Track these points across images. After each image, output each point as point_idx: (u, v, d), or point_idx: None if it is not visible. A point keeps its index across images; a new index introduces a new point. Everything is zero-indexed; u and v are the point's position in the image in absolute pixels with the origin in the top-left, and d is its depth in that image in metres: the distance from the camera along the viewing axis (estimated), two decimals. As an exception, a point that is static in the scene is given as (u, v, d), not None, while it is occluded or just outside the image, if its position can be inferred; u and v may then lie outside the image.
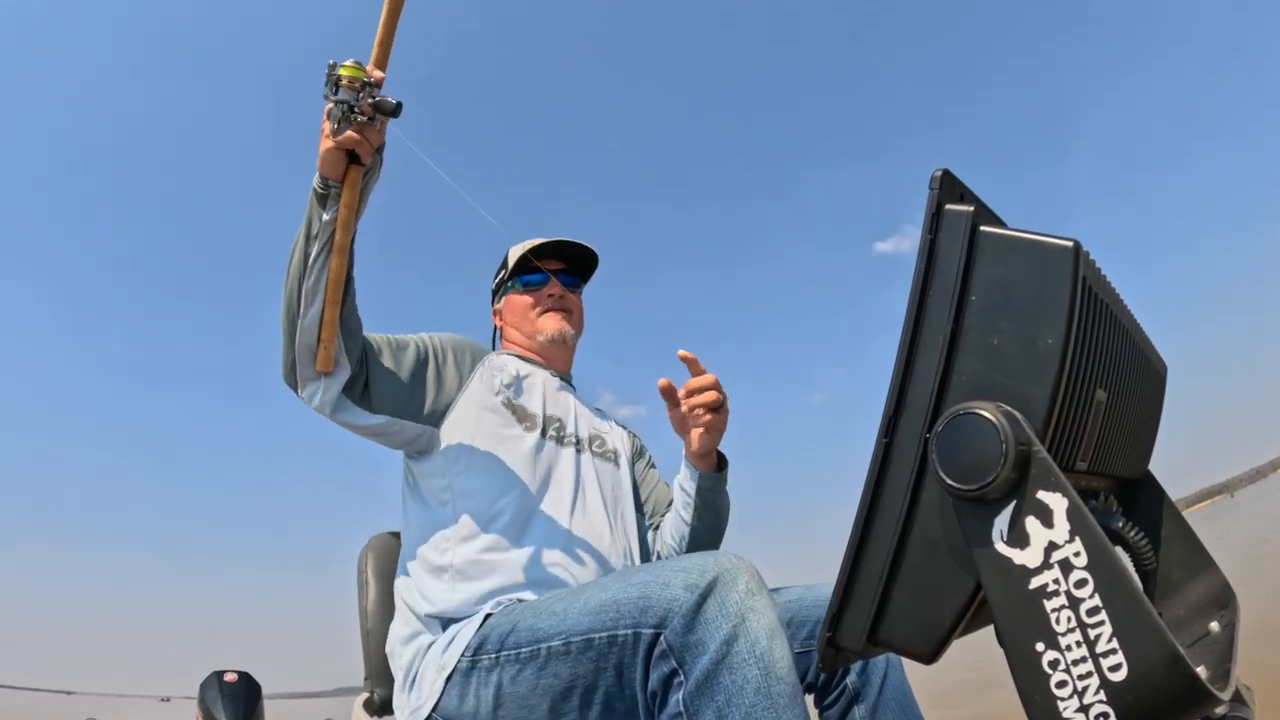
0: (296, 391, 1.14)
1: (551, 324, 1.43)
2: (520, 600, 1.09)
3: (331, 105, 1.01)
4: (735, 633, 0.79)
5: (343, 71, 1.00)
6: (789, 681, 0.78)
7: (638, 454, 1.56)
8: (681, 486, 1.36)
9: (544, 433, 1.31)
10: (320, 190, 1.09)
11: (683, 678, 0.80)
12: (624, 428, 1.56)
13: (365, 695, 1.27)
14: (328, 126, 1.04)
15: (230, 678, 2.82)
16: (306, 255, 1.09)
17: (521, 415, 1.31)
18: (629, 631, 0.86)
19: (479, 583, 1.12)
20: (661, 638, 0.82)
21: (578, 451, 1.34)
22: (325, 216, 1.09)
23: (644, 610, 0.85)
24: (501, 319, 1.51)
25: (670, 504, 1.43)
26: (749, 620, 0.79)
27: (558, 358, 1.46)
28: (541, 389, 1.38)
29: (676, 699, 0.80)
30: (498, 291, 1.52)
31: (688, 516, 1.35)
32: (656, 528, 1.48)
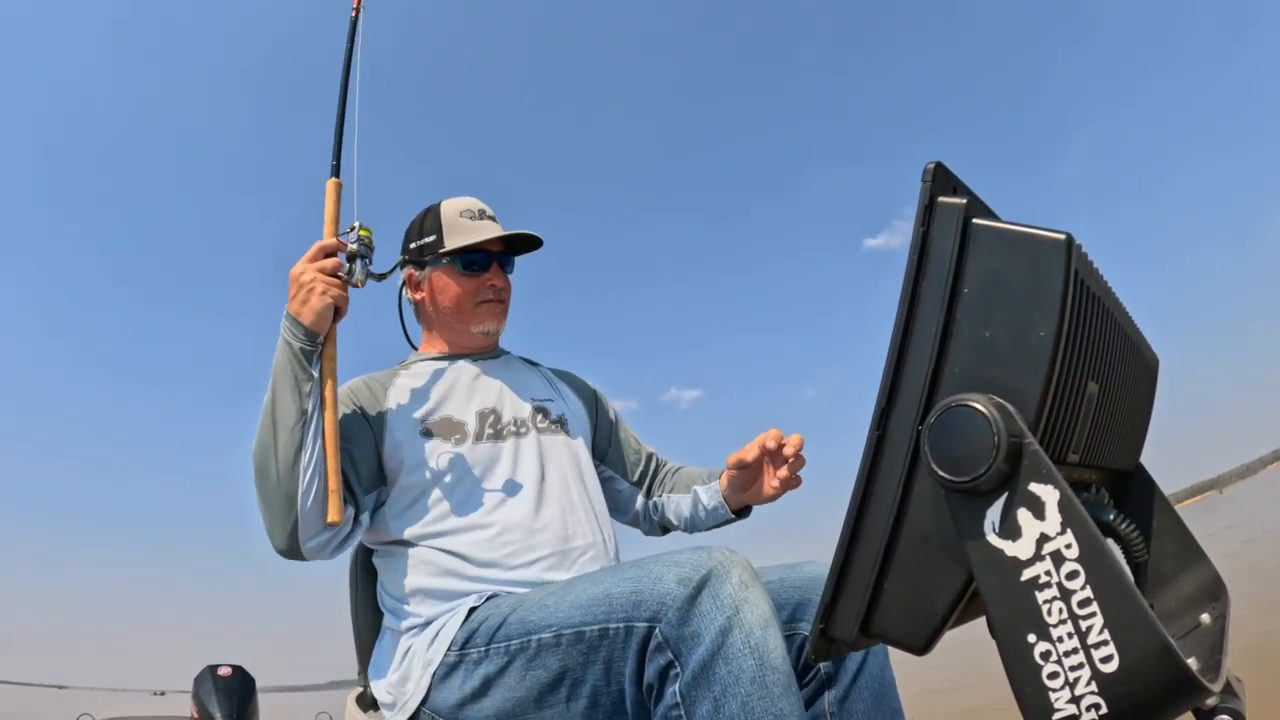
0: (300, 557, 1.08)
1: (489, 319, 1.35)
2: (496, 596, 1.09)
3: (343, 261, 1.15)
4: (730, 624, 0.80)
5: (363, 232, 1.18)
6: (783, 671, 0.80)
7: (599, 409, 1.50)
8: (700, 502, 1.38)
9: (478, 435, 1.25)
10: (308, 347, 1.09)
11: (679, 669, 0.81)
12: (571, 387, 1.48)
13: (359, 690, 1.28)
14: (319, 283, 1.10)
15: (224, 672, 2.84)
16: (303, 414, 1.07)
17: (446, 431, 1.24)
18: (621, 625, 0.86)
19: (449, 592, 1.12)
20: (656, 630, 0.83)
21: (519, 435, 1.28)
22: (315, 373, 1.10)
23: (636, 604, 0.85)
24: (421, 292, 1.37)
25: (665, 469, 1.48)
26: (743, 611, 0.80)
27: (488, 346, 1.39)
28: (464, 387, 1.31)
29: (673, 690, 0.81)
30: (422, 254, 1.34)
31: (691, 524, 1.40)
32: (648, 492, 1.46)
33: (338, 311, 1.14)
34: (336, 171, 1.21)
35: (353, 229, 1.18)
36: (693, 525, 1.41)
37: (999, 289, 0.56)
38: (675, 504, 1.42)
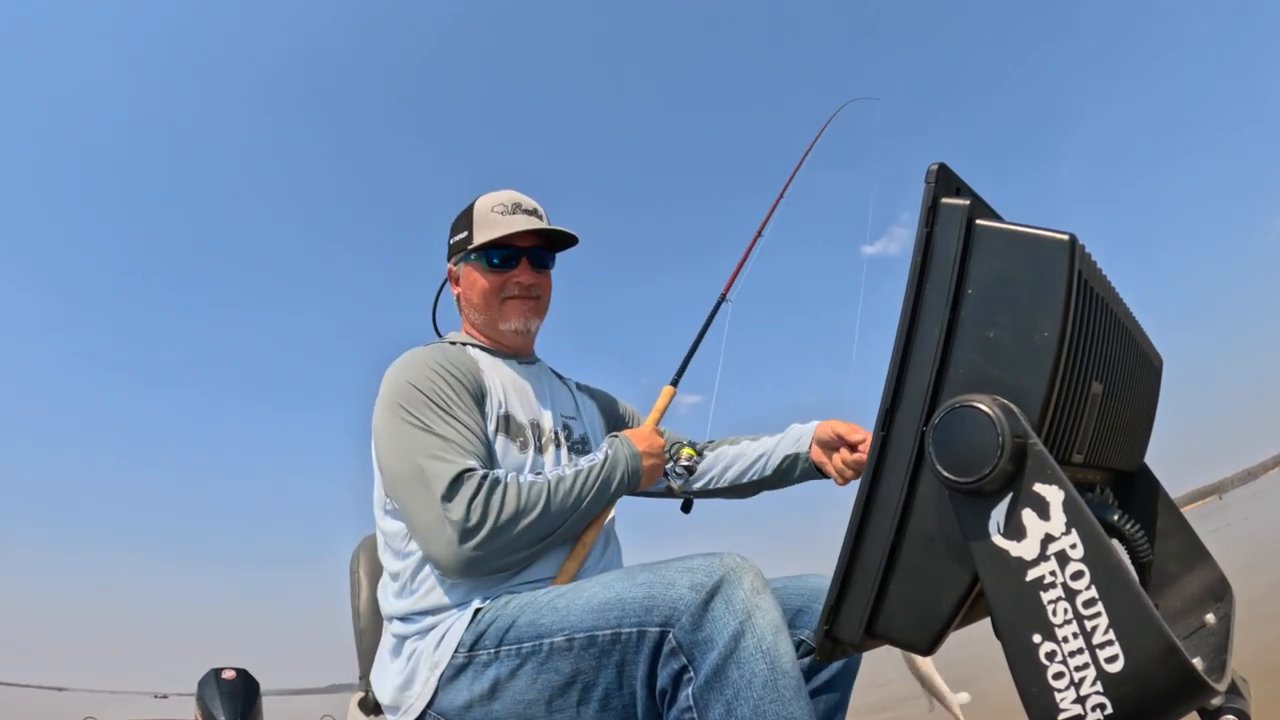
0: (460, 576, 1.06)
1: (516, 317, 1.30)
2: (500, 598, 1.08)
3: (680, 469, 1.40)
4: (742, 629, 0.81)
5: (687, 451, 1.41)
6: (793, 675, 0.81)
7: (617, 423, 1.48)
8: (776, 454, 1.38)
9: (539, 446, 1.23)
10: (629, 487, 1.18)
11: (692, 673, 0.83)
12: (597, 405, 1.47)
13: (361, 694, 1.27)
14: (663, 467, 1.26)
15: (228, 675, 2.83)
16: (585, 528, 1.15)
17: (513, 432, 1.21)
18: (634, 629, 0.87)
19: (457, 593, 1.09)
20: (670, 635, 0.84)
21: (556, 448, 1.26)
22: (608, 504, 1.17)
23: (649, 609, 0.86)
24: (459, 287, 1.36)
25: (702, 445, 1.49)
26: (755, 617, 0.82)
27: (521, 346, 1.35)
28: (516, 388, 1.27)
29: (686, 694, 0.83)
30: (458, 251, 1.33)
31: (747, 477, 1.41)
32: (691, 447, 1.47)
33: None
34: (676, 381, 1.44)
35: (706, 447, 1.46)
36: (753, 476, 1.41)
37: (1003, 289, 0.57)
38: (736, 460, 1.43)
